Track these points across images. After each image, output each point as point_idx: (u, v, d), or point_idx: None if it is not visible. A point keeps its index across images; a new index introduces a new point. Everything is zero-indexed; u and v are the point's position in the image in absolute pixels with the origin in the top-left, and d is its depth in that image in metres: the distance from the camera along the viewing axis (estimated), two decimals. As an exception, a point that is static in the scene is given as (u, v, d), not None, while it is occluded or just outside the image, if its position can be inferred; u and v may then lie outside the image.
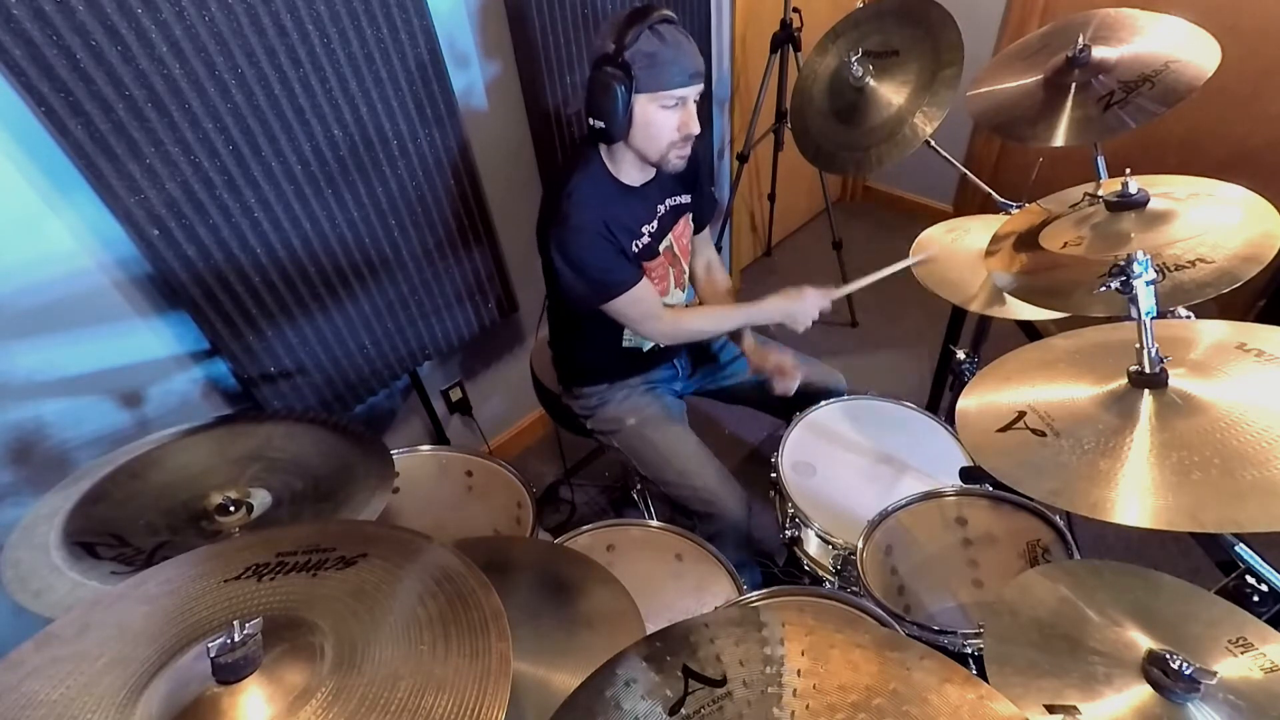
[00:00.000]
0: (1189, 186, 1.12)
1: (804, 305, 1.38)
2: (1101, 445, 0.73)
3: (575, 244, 1.25)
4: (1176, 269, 0.95)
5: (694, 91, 1.20)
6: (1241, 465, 0.65)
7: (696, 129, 1.23)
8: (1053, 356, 0.90)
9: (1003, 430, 0.80)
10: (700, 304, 1.62)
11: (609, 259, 1.28)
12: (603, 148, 1.29)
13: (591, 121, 1.19)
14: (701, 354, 1.66)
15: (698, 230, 1.55)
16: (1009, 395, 0.85)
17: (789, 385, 1.45)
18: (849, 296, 2.69)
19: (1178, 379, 0.76)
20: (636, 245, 1.33)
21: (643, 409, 1.51)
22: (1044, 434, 0.77)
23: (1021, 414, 0.80)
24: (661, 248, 1.41)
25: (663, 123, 1.20)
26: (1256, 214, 1.01)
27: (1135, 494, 0.67)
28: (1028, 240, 1.20)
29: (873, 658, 0.62)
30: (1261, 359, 0.77)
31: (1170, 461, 0.68)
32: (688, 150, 1.27)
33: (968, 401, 0.86)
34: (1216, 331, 0.85)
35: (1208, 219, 1.04)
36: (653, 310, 1.36)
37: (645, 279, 1.33)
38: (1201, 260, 0.94)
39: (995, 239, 1.27)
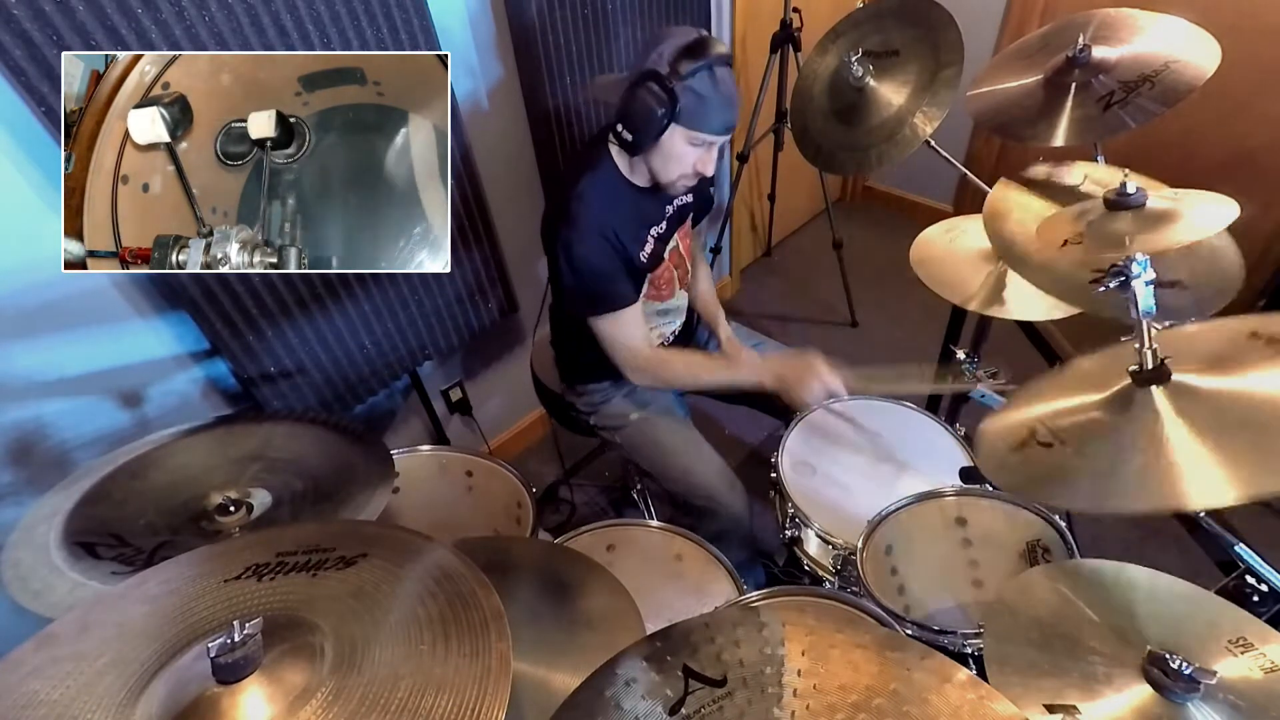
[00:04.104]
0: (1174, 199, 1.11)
1: (809, 384, 1.31)
2: (1108, 445, 0.73)
3: (579, 245, 1.24)
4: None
5: (724, 140, 1.22)
6: (1258, 431, 0.65)
7: (711, 171, 1.25)
8: (1072, 376, 0.89)
9: (1016, 450, 0.79)
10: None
11: (610, 268, 1.27)
12: (614, 147, 1.28)
13: (620, 129, 1.18)
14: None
15: (693, 225, 1.55)
16: (1021, 415, 0.84)
17: None
18: (848, 296, 2.70)
19: (1182, 374, 0.75)
20: (643, 255, 1.33)
21: (646, 404, 1.51)
22: (1050, 444, 0.77)
23: (1032, 431, 0.80)
24: (668, 250, 1.41)
25: (684, 156, 1.21)
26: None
27: (1145, 483, 0.67)
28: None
29: (873, 658, 0.62)
30: (1273, 346, 0.75)
31: (1184, 443, 0.68)
32: (694, 183, 1.29)
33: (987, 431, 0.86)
34: (1224, 326, 0.84)
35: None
36: (635, 340, 1.35)
37: (637, 305, 1.33)
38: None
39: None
